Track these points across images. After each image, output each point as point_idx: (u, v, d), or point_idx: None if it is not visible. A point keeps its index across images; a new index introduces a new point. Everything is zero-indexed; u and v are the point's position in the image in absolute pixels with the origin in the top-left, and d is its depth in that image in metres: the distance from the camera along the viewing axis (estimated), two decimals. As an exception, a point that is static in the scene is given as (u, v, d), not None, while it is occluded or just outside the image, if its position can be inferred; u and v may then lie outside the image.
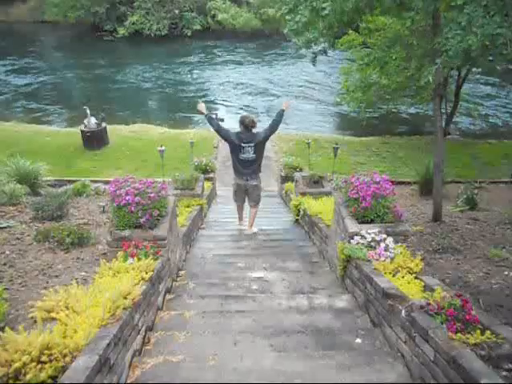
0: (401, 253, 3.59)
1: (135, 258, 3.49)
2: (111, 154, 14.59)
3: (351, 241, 3.77)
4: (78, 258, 4.63)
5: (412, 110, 19.97)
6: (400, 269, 3.34)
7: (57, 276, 4.05)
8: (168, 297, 3.63)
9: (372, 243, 3.67)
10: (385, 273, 3.28)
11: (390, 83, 14.51)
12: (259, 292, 3.84)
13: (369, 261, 3.53)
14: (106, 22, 34.35)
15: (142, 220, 3.78)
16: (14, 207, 7.87)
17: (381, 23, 14.94)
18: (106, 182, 11.62)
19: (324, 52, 9.10)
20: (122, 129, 16.55)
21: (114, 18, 34.37)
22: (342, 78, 17.58)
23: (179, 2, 34.45)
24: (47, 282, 3.85)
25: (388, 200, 3.94)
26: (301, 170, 10.64)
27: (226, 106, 21.58)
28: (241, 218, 7.02)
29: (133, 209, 3.77)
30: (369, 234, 3.73)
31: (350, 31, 15.98)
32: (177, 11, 34.19)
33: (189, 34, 33.83)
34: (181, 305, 3.49)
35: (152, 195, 3.82)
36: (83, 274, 4.13)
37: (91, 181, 11.46)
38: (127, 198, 3.78)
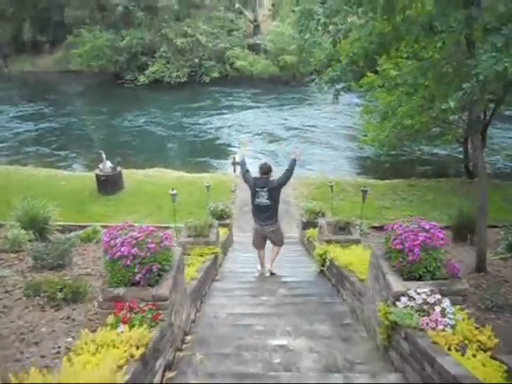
0: (463, 319, 2.82)
1: (127, 326, 2.80)
2: (125, 199, 14.16)
3: (397, 303, 3.02)
4: (68, 318, 3.97)
5: (435, 152, 19.31)
6: (467, 343, 2.57)
7: (36, 343, 3.38)
8: (168, 375, 2.89)
9: (424, 306, 2.90)
10: (448, 349, 2.51)
11: (414, 123, 13.97)
12: (283, 368, 3.06)
13: (422, 330, 2.76)
14: (127, 70, 35.28)
15: (138, 276, 3.11)
16: (15, 254, 7.35)
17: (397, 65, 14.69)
18: (118, 228, 11.14)
19: (347, 89, 8.70)
20: (137, 173, 16.23)
21: (135, 67, 35.32)
22: (364, 117, 17.15)
23: (198, 50, 35.32)
24: (22, 353, 3.17)
25: (440, 252, 3.21)
26: (323, 214, 9.95)
27: (246, 149, 21.20)
28: (262, 265, 6.92)
29: (129, 262, 3.11)
30: (418, 294, 2.98)
31: (369, 73, 15.74)
32: (196, 60, 34.98)
33: (207, 80, 34.41)
34: (183, 388, 2.74)
35: (152, 246, 3.17)
36: (70, 340, 3.45)
37: (102, 226, 10.96)
38: (122, 249, 3.14)
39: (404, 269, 3.20)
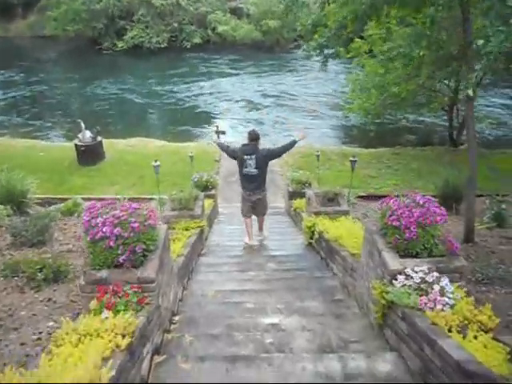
0: (462, 298, 2.73)
1: (111, 312, 2.64)
2: (107, 170, 13.79)
3: (394, 281, 2.91)
4: (48, 300, 3.78)
5: (420, 120, 19.22)
6: (468, 323, 2.48)
7: (15, 329, 3.20)
8: (156, 359, 2.76)
9: (422, 285, 2.80)
10: (449, 330, 2.42)
11: (401, 91, 13.77)
12: (275, 349, 2.96)
13: (420, 310, 2.67)
14: (106, 36, 33.99)
15: (122, 258, 2.93)
16: (-8, 230, 7.06)
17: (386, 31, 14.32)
18: (100, 200, 10.84)
19: (336, 55, 8.43)
20: (118, 143, 15.79)
21: (113, 32, 34.00)
22: (350, 86, 16.87)
23: (179, 15, 34.11)
24: (0, 340, 2.99)
25: (438, 228, 3.09)
26: (309, 184, 9.83)
27: (228, 118, 20.88)
28: (249, 235, 6.85)
29: (112, 243, 2.92)
30: (416, 272, 2.88)
31: (356, 39, 15.37)
32: (176, 24, 33.81)
33: (188, 46, 33.41)
34: (173, 374, 2.61)
35: (135, 225, 2.97)
36: (51, 324, 3.28)
37: (84, 198, 10.67)
38: (104, 229, 2.94)
39: (400, 246, 3.08)
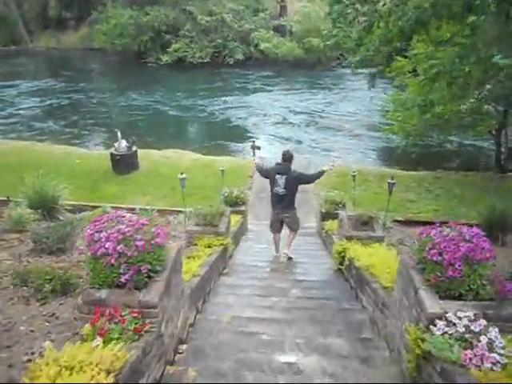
0: (516, 355, 2.26)
1: (104, 339, 2.35)
2: (140, 180, 13.79)
3: (432, 327, 2.47)
4: (52, 315, 3.54)
5: (465, 144, 18.37)
6: (523, 390, 2.02)
7: (9, 346, 2.95)
8: (152, 398, 2.44)
9: (466, 335, 2.36)
10: (501, 399, 1.97)
11: (445, 111, 13.14)
12: (289, 396, 2.57)
13: (463, 366, 2.22)
14: (151, 50, 34.86)
15: (124, 277, 2.64)
16: (18, 234, 7.00)
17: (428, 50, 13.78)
18: (131, 209, 10.77)
19: (382, 72, 8.06)
20: (154, 154, 15.84)
21: (158, 46, 34.84)
22: (391, 105, 16.33)
23: (223, 31, 34.61)
24: (-12, 360, 2.75)
25: (487, 267, 2.64)
26: (344, 206, 9.37)
27: (265, 134, 20.70)
28: (277, 249, 7.09)
29: (113, 261, 2.64)
30: (459, 318, 2.43)
31: (400, 58, 14.91)
32: (220, 40, 34.28)
33: (231, 62, 33.73)
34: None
35: (140, 244, 2.68)
36: (46, 344, 3.01)
37: (114, 207, 10.61)
38: (107, 245, 2.67)
39: (442, 285, 2.64)
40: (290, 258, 6.77)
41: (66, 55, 37.33)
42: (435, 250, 2.69)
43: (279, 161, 6.67)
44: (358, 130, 21.14)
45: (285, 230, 7.03)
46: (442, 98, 12.70)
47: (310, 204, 12.25)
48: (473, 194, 12.96)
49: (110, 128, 19.21)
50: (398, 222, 11.01)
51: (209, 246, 5.70)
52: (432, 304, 2.56)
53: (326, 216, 8.98)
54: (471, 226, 8.93)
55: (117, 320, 2.49)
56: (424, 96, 13.67)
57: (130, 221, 2.86)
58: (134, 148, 14.30)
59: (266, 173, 6.87)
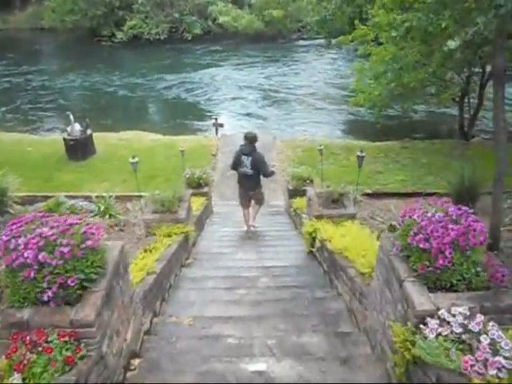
0: (521, 357, 1.91)
1: (22, 375, 1.86)
2: (97, 165, 12.98)
3: (423, 327, 2.10)
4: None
5: (429, 111, 18.29)
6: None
7: None
8: None
9: (463, 335, 1.99)
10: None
11: (410, 80, 12.87)
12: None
13: (463, 374, 1.86)
14: (104, 26, 33.16)
15: (48, 294, 2.13)
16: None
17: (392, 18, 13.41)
18: (87, 198, 10.08)
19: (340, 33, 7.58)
20: (110, 137, 14.97)
21: (112, 22, 33.14)
22: (355, 76, 15.95)
23: (179, 5, 33.26)
24: None
25: (480, 252, 2.28)
26: (311, 181, 9.02)
27: (227, 111, 20.06)
28: (246, 223, 7.43)
29: (33, 274, 2.13)
30: (453, 315, 2.06)
31: (362, 26, 14.50)
32: (177, 15, 32.95)
33: (189, 37, 32.54)
34: None
35: (65, 250, 2.17)
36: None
37: (68, 196, 9.95)
38: (26, 253, 2.14)
39: (430, 276, 2.26)
40: (255, 229, 7.32)
41: (11, 36, 34.95)
42: (421, 236, 2.30)
43: (243, 142, 6.82)
44: (320, 103, 20.77)
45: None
46: (406, 65, 12.39)
47: (277, 180, 11.84)
48: (439, 162, 12.87)
49: (62, 112, 18.05)
50: (367, 194, 10.79)
51: (168, 235, 5.21)
52: (421, 299, 2.18)
53: (293, 193, 8.62)
54: (441, 195, 8.79)
55: (41, 348, 1.99)
56: (388, 65, 13.39)
57: (55, 221, 2.33)
58: (89, 131, 13.41)
59: (234, 162, 6.98)
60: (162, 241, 4.86)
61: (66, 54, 31.26)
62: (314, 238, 5.32)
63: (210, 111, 19.62)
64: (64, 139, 13.15)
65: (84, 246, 2.27)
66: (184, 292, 4.19)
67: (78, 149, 13.12)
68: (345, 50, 27.99)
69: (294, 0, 31.34)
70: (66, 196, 9.89)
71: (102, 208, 8.87)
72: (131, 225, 8.26)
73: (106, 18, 33.12)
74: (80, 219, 2.45)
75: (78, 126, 13.28)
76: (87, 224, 2.45)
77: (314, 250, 5.25)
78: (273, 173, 7.32)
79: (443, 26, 5.27)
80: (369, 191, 10.65)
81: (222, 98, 21.83)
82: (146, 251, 4.56)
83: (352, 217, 5.42)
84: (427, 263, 2.25)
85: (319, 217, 5.39)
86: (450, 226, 2.26)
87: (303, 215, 6.69)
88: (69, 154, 13.20)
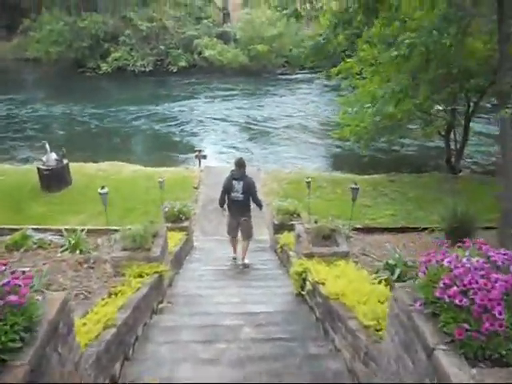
0: None
1: None
2: (72, 196, 12.29)
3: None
4: None
5: (416, 145, 18.20)
6: None
7: None
8: None
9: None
10: None
11: (396, 112, 12.69)
12: None
13: None
14: (89, 58, 33.06)
15: None
16: None
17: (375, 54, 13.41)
18: (58, 231, 9.36)
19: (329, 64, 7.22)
20: (88, 167, 14.36)
21: (97, 54, 33.06)
22: (342, 108, 15.80)
23: (165, 38, 33.51)
24: None
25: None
26: (298, 215, 8.51)
27: (210, 143, 19.70)
28: (235, 250, 7.40)
29: None
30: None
31: (348, 60, 14.50)
32: (162, 47, 33.07)
33: (174, 70, 32.59)
34: None
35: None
36: None
37: (38, 229, 9.23)
38: None
39: (472, 343, 1.70)
40: (245, 265, 7.04)
41: (-4, 66, 34.49)
42: (455, 288, 1.75)
43: (233, 168, 6.82)
44: (305, 136, 20.60)
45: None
46: (393, 96, 12.21)
47: (262, 215, 11.28)
48: (428, 196, 12.56)
49: (40, 141, 17.45)
50: (357, 229, 10.30)
51: (139, 276, 4.57)
52: (460, 377, 1.60)
53: (279, 228, 8.08)
54: (433, 230, 8.25)
55: None
56: (373, 97, 13.22)
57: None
58: (65, 161, 12.79)
59: (224, 189, 6.85)
60: (131, 283, 4.21)
61: (48, 85, 30.92)
62: (303, 279, 4.74)
63: (192, 143, 19.22)
64: (38, 169, 12.49)
65: (2, 302, 1.65)
66: (153, 346, 3.51)
67: (53, 179, 12.46)
68: (322, 85, 28.37)
69: (278, 36, 31.83)
70: (36, 229, 9.19)
71: (73, 242, 8.16)
72: (102, 262, 7.59)
73: (91, 49, 33.06)
74: (4, 264, 1.84)
75: (53, 156, 12.67)
76: (12, 272, 1.83)
77: (303, 292, 4.65)
78: (261, 205, 7.27)
79: (448, 44, 4.94)
80: (359, 226, 10.16)
81: (206, 130, 21.54)
82: (110, 295, 3.91)
83: (345, 255, 4.88)
84: (466, 326, 1.69)
85: (309, 255, 4.82)
86: (494, 275, 1.72)
87: (291, 253, 6.12)
88: (43, 185, 12.52)
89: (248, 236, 7.17)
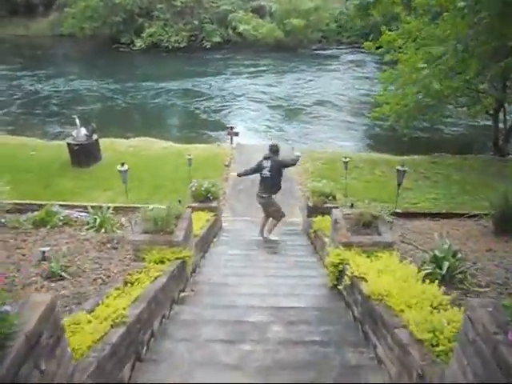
0: None
1: None
2: (101, 173, 12.12)
3: None
4: None
5: (459, 124, 17.11)
6: None
7: None
8: None
9: None
10: None
11: (443, 88, 11.74)
12: None
13: None
14: (123, 33, 32.86)
15: None
16: None
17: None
18: (85, 208, 9.19)
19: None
20: (119, 143, 14.19)
21: (132, 29, 32.80)
22: (381, 86, 14.89)
23: (199, 13, 32.85)
24: None
25: None
26: (334, 198, 7.94)
27: (245, 120, 19.17)
28: (261, 230, 7.65)
29: None
30: None
31: (388, 32, 13.52)
32: (196, 22, 32.46)
33: (208, 46, 32.06)
34: None
35: None
36: None
37: (65, 206, 9.09)
38: None
39: None
40: (271, 239, 7.43)
41: (34, 42, 34.82)
42: None
43: (267, 152, 7.23)
44: (341, 115, 19.76)
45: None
46: (440, 71, 11.28)
47: (295, 196, 10.80)
48: (474, 179, 11.71)
49: (73, 117, 17.44)
50: (396, 214, 9.65)
51: (160, 262, 4.21)
52: None
53: (313, 211, 7.57)
54: (481, 217, 7.49)
55: None
56: (419, 72, 12.29)
57: None
58: (95, 136, 12.63)
59: (256, 167, 7.28)
60: (149, 271, 3.84)
61: (82, 61, 31.09)
62: (340, 272, 4.25)
63: (225, 120, 18.75)
64: (68, 144, 12.39)
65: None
66: (169, 344, 3.13)
67: (82, 154, 12.33)
68: (360, 61, 27.14)
69: (315, 9, 30.59)
70: (62, 205, 9.05)
71: (98, 221, 7.92)
72: (126, 242, 7.34)
73: (125, 24, 32.86)
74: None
75: (83, 131, 12.52)
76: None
77: (340, 287, 4.16)
78: (298, 157, 7.83)
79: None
80: (398, 210, 9.50)
81: (239, 107, 21.02)
82: (125, 284, 3.55)
83: (388, 246, 4.34)
84: None
85: (347, 244, 4.31)
86: None
87: (325, 239, 5.62)
88: (72, 160, 12.44)
89: (275, 219, 7.47)
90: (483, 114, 14.69)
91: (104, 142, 13.44)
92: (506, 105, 13.81)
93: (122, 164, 5.72)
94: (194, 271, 5.06)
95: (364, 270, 3.66)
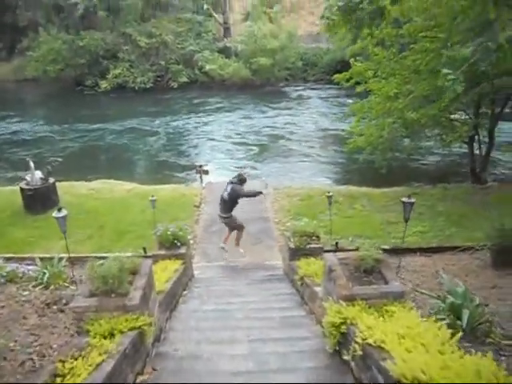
0: None
1: None
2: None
3: None
4: None
5: (433, 154, 16.82)
6: None
7: None
8: None
9: None
10: None
11: (420, 116, 11.34)
12: None
13: None
14: (88, 75, 32.24)
15: None
16: None
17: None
18: (34, 260, 8.02)
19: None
20: (79, 186, 13.08)
21: (97, 71, 32.25)
22: (355, 117, 14.48)
23: (165, 54, 32.62)
24: None
25: None
26: (318, 238, 7.11)
27: (215, 159, 18.45)
28: (224, 240, 8.83)
29: None
30: None
31: (357, 64, 13.27)
32: (162, 63, 32.22)
33: (175, 86, 31.73)
34: None
35: None
36: None
37: (11, 259, 7.97)
38: None
39: None
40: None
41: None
42: None
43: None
44: (313, 150, 19.29)
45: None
46: (415, 100, 10.91)
47: (272, 236, 9.89)
48: (459, 210, 11.13)
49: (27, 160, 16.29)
50: (384, 250, 8.86)
51: (110, 335, 3.19)
52: None
53: (295, 253, 6.69)
54: (471, 248, 6.69)
55: None
56: (393, 101, 11.92)
57: None
58: (51, 180, 11.50)
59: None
60: (91, 352, 2.81)
61: (45, 104, 30.09)
62: (343, 334, 3.33)
63: (194, 159, 17.92)
64: (21, 189, 11.21)
65: None
66: None
67: (38, 200, 11.17)
68: (328, 97, 27.24)
69: (281, 48, 30.77)
70: (9, 258, 7.93)
71: (47, 275, 6.76)
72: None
73: (89, 67, 32.27)
74: None
75: (39, 174, 11.42)
76: None
77: (346, 357, 3.22)
78: (258, 193, 8.48)
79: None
80: (386, 246, 8.71)
81: (209, 146, 20.38)
82: (54, 377, 2.53)
83: (400, 297, 3.47)
84: None
85: (349, 298, 3.42)
86: None
87: (315, 288, 4.70)
88: (26, 206, 11.25)
89: (233, 228, 8.55)
90: (458, 142, 14.39)
91: (62, 186, 12.33)
92: (479, 131, 13.56)
93: (59, 209, 4.71)
94: (157, 339, 4.01)
95: (379, 336, 2.77)
